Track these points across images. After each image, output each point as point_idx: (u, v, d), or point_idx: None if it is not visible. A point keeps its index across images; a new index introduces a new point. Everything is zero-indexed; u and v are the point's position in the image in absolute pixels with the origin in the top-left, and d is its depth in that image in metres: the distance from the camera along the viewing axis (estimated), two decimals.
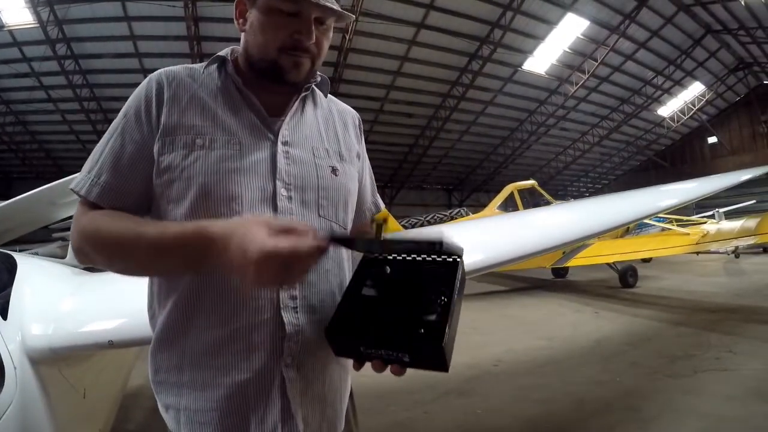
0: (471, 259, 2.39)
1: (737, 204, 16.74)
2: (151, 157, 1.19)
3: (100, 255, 1.14)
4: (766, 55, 20.91)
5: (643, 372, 5.63)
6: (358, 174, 1.45)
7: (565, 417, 4.50)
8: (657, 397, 4.78)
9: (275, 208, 1.18)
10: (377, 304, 1.08)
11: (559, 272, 14.75)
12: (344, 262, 1.34)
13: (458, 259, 1.11)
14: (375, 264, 1.15)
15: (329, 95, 1.47)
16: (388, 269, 1.13)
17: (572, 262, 11.59)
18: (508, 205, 12.50)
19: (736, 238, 9.95)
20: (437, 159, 26.73)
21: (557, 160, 29.51)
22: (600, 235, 3.79)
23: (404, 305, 1.04)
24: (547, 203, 12.51)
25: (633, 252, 11.21)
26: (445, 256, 1.11)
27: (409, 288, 1.08)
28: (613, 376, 5.54)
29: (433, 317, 1.00)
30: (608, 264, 12.02)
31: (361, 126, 1.55)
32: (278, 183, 1.20)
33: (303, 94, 1.35)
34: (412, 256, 1.13)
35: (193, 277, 1.16)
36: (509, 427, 4.33)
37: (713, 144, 28.88)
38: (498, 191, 13.54)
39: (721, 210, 13.46)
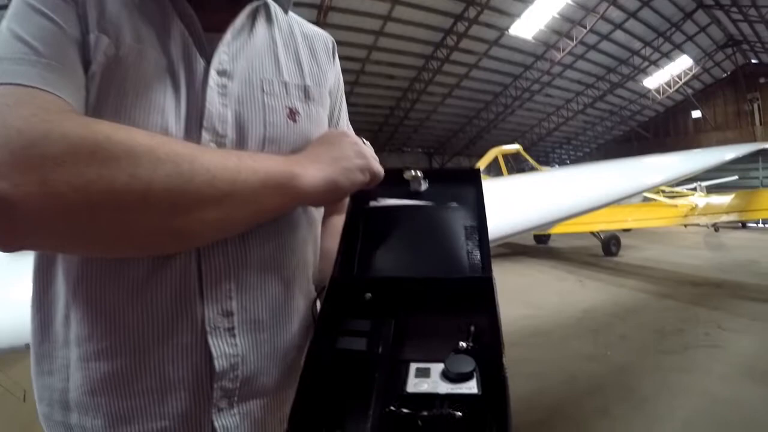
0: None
1: (719, 179, 16.78)
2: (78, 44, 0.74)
3: (157, 201, 0.63)
4: (756, 34, 20.67)
5: (634, 347, 5.56)
6: (329, 118, 1.05)
7: (558, 394, 4.39)
8: (650, 375, 4.73)
9: None
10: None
11: (542, 238, 14.63)
12: (305, 251, 0.96)
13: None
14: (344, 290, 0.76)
15: (293, 15, 1.04)
16: (369, 295, 0.76)
17: (556, 229, 11.41)
18: (492, 170, 12.32)
19: (725, 213, 9.90)
20: (419, 122, 26.10)
21: (540, 126, 29.06)
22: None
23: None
24: (532, 169, 12.37)
25: (619, 221, 11.08)
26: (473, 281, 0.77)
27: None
28: (604, 350, 5.45)
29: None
30: (592, 232, 11.91)
31: (336, 51, 1.10)
32: (205, 134, 0.79)
33: (254, 4, 0.91)
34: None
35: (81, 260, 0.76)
36: None
37: (697, 119, 28.62)
38: (480, 156, 13.32)
39: (703, 184, 13.42)
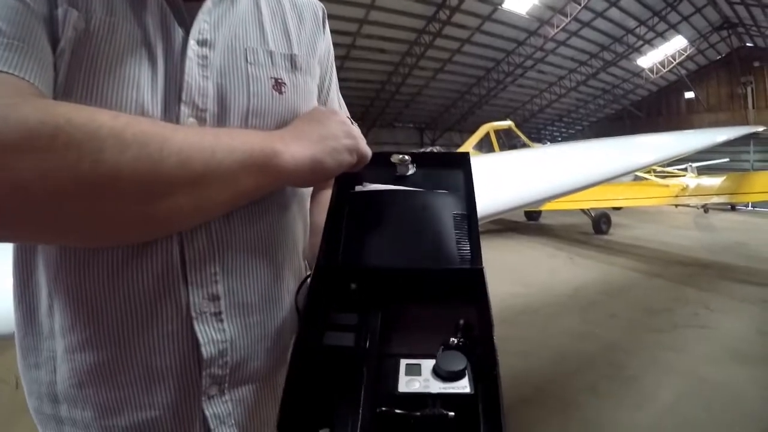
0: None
1: (710, 161, 16.79)
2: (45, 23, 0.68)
3: (131, 188, 0.59)
4: (752, 17, 20.58)
5: (623, 325, 5.57)
6: (319, 89, 0.99)
7: (547, 372, 4.39)
8: (638, 353, 4.75)
9: None
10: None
11: (532, 215, 14.56)
12: (295, 229, 0.92)
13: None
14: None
15: None
16: (354, 286, 0.71)
17: (547, 206, 11.35)
18: (484, 146, 12.25)
19: (716, 194, 9.89)
20: (410, 97, 25.97)
21: (532, 103, 29.04)
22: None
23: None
24: (524, 145, 12.32)
25: (610, 199, 11.04)
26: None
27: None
28: (593, 328, 5.45)
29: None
30: (582, 210, 11.89)
31: (326, 20, 1.03)
32: (184, 108, 0.73)
33: None
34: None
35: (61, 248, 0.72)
36: None
37: (690, 99, 28.64)
38: (471, 132, 13.25)
39: (694, 165, 13.42)
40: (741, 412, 3.61)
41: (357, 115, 26.39)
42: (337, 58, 1.19)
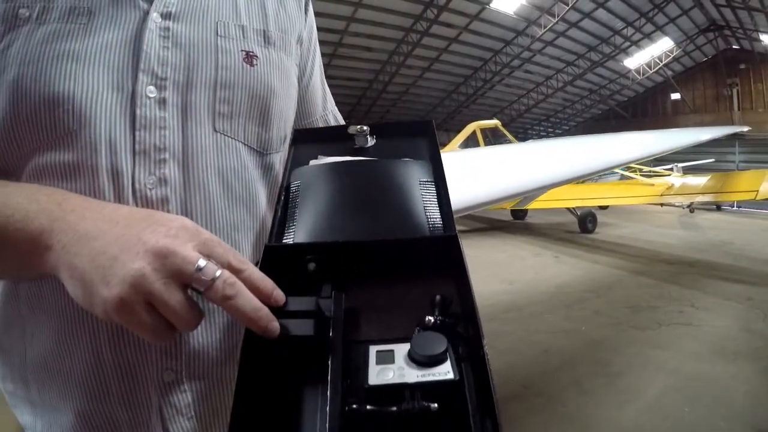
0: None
1: (696, 161, 16.89)
2: None
3: None
4: (738, 19, 20.70)
5: (608, 322, 5.56)
6: (298, 68, 0.93)
7: (532, 370, 4.38)
8: (624, 350, 4.74)
9: (133, 120, 0.68)
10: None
11: (518, 214, 14.54)
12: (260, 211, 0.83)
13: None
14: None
15: None
16: (312, 265, 0.63)
17: (533, 205, 11.42)
18: (470, 144, 12.24)
19: (701, 193, 9.93)
20: (397, 96, 26.08)
21: (519, 102, 29.16)
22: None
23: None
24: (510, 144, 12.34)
25: (595, 198, 11.09)
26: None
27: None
28: (578, 325, 5.45)
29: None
30: (568, 209, 11.90)
31: (309, 2, 0.99)
32: (142, 76, 0.69)
33: None
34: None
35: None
36: None
37: (676, 100, 28.85)
38: (458, 131, 13.19)
39: (680, 165, 13.49)
40: (725, 408, 3.61)
41: (344, 113, 25.74)
42: (324, 55, 1.13)
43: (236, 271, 0.55)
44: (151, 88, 0.69)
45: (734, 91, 25.21)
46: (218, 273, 0.53)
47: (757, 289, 6.45)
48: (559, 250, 9.98)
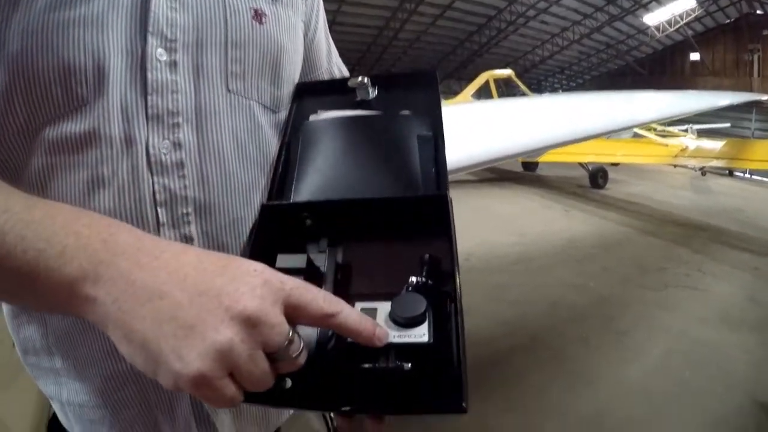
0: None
1: (711, 124, 16.65)
2: None
3: None
4: None
5: (616, 279, 5.60)
6: (303, 24, 0.91)
7: (540, 322, 4.44)
8: (630, 309, 4.79)
9: (144, 84, 0.66)
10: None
11: (530, 166, 14.44)
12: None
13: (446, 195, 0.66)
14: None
15: None
16: (309, 222, 0.67)
17: (544, 158, 11.28)
18: (483, 94, 12.07)
19: (715, 158, 9.82)
20: (408, 43, 25.45)
21: (534, 53, 28.62)
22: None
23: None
24: (524, 95, 12.16)
25: (608, 154, 10.96)
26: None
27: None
28: (586, 280, 5.49)
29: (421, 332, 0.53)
30: (580, 163, 11.82)
31: None
32: (151, 39, 0.66)
33: None
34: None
35: None
36: (485, 328, 4.20)
37: (695, 61, 28.24)
38: (471, 80, 12.99)
39: (695, 126, 13.34)
40: (725, 373, 3.67)
41: (353, 61, 25.98)
42: (333, 1, 1.09)
43: (329, 316, 0.50)
44: (161, 50, 0.67)
45: (755, 57, 24.73)
46: (302, 346, 0.50)
47: (765, 260, 6.43)
48: (570, 204, 9.97)
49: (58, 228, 0.50)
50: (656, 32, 25.71)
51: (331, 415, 1.02)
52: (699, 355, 3.92)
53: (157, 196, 0.66)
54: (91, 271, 0.48)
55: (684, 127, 12.38)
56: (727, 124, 18.39)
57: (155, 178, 0.66)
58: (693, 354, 3.94)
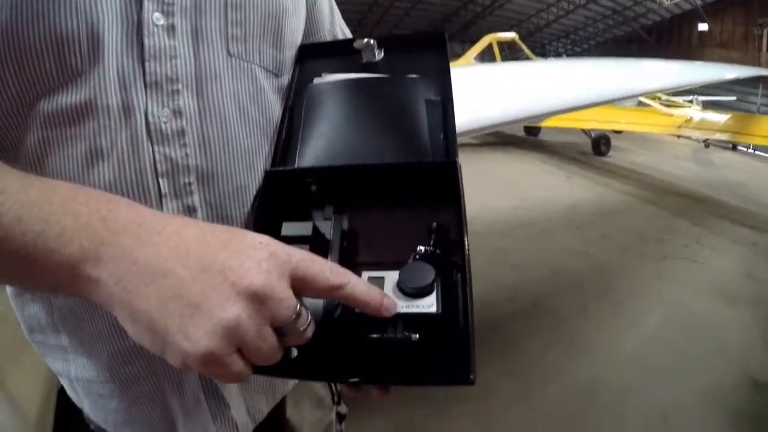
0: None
1: (717, 97, 16.51)
2: None
3: None
4: None
5: (615, 247, 5.63)
6: None
7: (540, 287, 4.47)
8: (627, 278, 4.83)
9: (141, 50, 0.63)
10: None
11: (532, 131, 14.33)
12: None
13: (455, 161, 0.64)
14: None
15: None
16: (314, 188, 0.66)
17: (547, 123, 11.17)
18: (486, 57, 11.92)
19: (719, 131, 9.76)
20: (410, 4, 24.97)
21: (538, 17, 28.21)
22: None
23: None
24: (528, 59, 12.01)
25: (612, 122, 10.88)
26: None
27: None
28: (586, 247, 5.52)
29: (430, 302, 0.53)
30: (583, 129, 11.72)
31: None
32: (147, 2, 0.62)
33: None
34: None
35: None
36: (486, 291, 4.23)
37: (703, 32, 27.79)
38: (474, 42, 12.81)
39: (700, 98, 13.23)
40: (720, 346, 3.70)
41: (353, 22, 25.43)
42: None
43: (336, 288, 0.49)
44: (158, 14, 0.64)
45: (765, 31, 24.42)
46: (309, 319, 0.50)
47: (764, 236, 6.43)
48: (572, 170, 9.95)
49: (55, 207, 0.48)
50: (664, 0, 25.40)
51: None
52: (696, 327, 3.96)
53: (158, 166, 0.64)
54: (92, 251, 0.47)
55: (689, 98, 12.29)
56: (733, 98, 18.26)
57: (156, 148, 0.63)
58: (689, 325, 3.98)
